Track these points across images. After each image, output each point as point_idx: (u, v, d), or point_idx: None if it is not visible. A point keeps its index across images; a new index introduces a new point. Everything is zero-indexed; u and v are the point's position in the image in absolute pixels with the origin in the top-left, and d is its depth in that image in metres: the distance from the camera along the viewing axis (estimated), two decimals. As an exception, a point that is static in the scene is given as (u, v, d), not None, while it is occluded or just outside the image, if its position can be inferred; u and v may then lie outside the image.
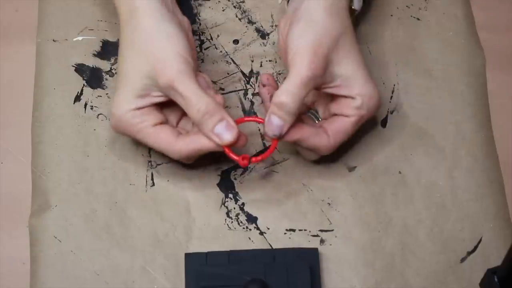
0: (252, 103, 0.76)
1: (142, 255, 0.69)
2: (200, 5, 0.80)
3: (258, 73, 0.77)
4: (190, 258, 0.69)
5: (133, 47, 0.68)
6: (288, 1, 0.73)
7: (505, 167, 0.73)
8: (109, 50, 0.78)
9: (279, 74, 0.77)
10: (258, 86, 0.76)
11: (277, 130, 0.66)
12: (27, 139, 0.74)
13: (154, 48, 0.67)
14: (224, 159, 0.73)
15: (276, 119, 0.66)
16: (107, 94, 0.76)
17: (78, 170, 0.72)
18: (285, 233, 0.71)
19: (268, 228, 0.71)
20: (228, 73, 0.77)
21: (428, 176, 0.73)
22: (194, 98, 0.66)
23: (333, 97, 0.69)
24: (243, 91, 0.76)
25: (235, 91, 0.76)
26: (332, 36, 0.67)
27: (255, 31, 0.79)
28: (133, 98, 0.67)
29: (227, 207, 0.72)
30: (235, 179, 0.73)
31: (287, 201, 0.72)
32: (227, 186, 0.72)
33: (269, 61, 0.78)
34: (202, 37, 0.79)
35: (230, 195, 0.72)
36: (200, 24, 0.80)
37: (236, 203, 0.72)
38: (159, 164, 0.73)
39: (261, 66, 0.77)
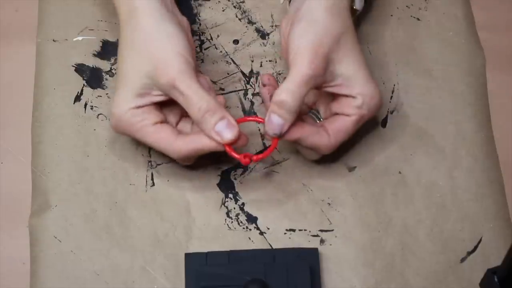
0: (252, 103, 0.76)
1: (142, 255, 0.69)
2: (200, 5, 0.80)
3: (258, 73, 0.77)
4: (190, 258, 0.69)
5: (133, 47, 0.68)
6: (289, 1, 0.73)
7: (505, 167, 0.73)
8: (109, 50, 0.78)
9: (279, 74, 0.77)
10: (258, 86, 0.76)
11: (277, 129, 0.66)
12: (27, 139, 0.74)
13: (154, 48, 0.67)
14: (224, 159, 0.73)
15: (276, 117, 0.66)
16: (107, 94, 0.76)
17: (78, 170, 0.72)
18: (285, 233, 0.71)
19: (268, 228, 0.71)
20: (228, 73, 0.77)
21: (428, 176, 0.73)
22: (195, 97, 0.66)
23: (334, 97, 0.69)
24: (243, 91, 0.76)
25: (235, 91, 0.76)
26: (333, 36, 0.67)
27: (255, 31, 0.79)
28: (133, 97, 0.67)
29: (227, 207, 0.72)
30: (235, 179, 0.73)
31: (287, 201, 0.72)
32: (227, 186, 0.72)
33: (269, 61, 0.78)
34: (202, 37, 0.79)
35: (230, 195, 0.72)
36: (200, 24, 0.80)
37: (236, 203, 0.72)
38: (159, 164, 0.73)
39: (261, 66, 0.77)
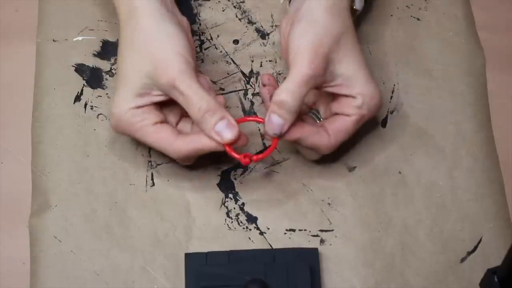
0: (252, 103, 0.76)
1: (142, 255, 0.69)
2: (200, 5, 0.80)
3: (258, 73, 0.77)
4: (190, 258, 0.69)
5: (133, 47, 0.68)
6: (289, 1, 0.73)
7: (505, 167, 0.73)
8: (109, 50, 0.78)
9: (279, 74, 0.77)
10: (258, 86, 0.76)
11: (277, 129, 0.66)
12: (27, 139, 0.74)
13: (154, 47, 0.67)
14: (224, 159, 0.73)
15: (276, 117, 0.66)
16: (107, 94, 0.76)
17: (78, 170, 0.72)
18: (285, 233, 0.71)
19: (268, 228, 0.71)
20: (228, 73, 0.77)
21: (428, 176, 0.73)
22: (195, 97, 0.66)
23: (334, 97, 0.69)
24: (243, 91, 0.76)
25: (235, 91, 0.76)
26: (333, 36, 0.67)
27: (255, 31, 0.79)
28: (133, 97, 0.67)
29: (227, 207, 0.72)
30: (235, 179, 0.73)
31: (287, 201, 0.72)
32: (227, 186, 0.72)
33: (269, 61, 0.78)
34: (202, 37, 0.79)
35: (230, 195, 0.72)
36: (200, 24, 0.80)
37: (236, 203, 0.72)
38: (159, 164, 0.73)
39: (261, 66, 0.77)
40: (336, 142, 0.68)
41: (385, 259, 0.69)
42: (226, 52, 0.78)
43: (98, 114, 0.75)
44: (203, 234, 0.70)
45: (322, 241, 0.70)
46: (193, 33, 0.79)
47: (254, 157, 0.67)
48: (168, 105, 0.69)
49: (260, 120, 0.70)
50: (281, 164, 0.73)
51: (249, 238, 0.70)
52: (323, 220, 0.71)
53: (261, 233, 0.71)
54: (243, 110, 0.75)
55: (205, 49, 0.78)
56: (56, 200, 0.71)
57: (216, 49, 0.78)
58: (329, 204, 0.72)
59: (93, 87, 0.76)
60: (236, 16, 0.80)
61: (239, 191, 0.72)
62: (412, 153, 0.74)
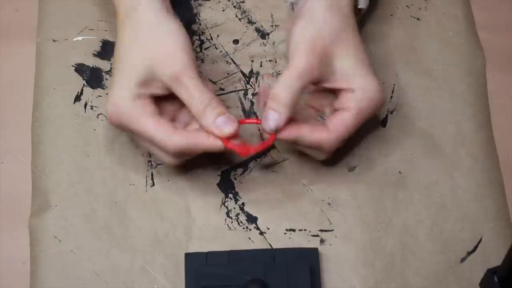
0: (252, 103, 0.76)
1: (142, 255, 0.69)
2: (200, 5, 0.80)
3: (258, 73, 0.77)
4: (190, 258, 0.69)
5: (136, 39, 0.68)
6: (292, 4, 0.74)
7: (505, 167, 0.73)
8: (109, 50, 0.78)
9: (279, 74, 0.77)
10: (258, 86, 0.76)
11: (273, 123, 0.66)
12: (27, 139, 0.74)
13: (159, 41, 0.67)
14: (224, 159, 0.73)
15: (271, 112, 0.66)
16: (107, 94, 0.76)
17: (78, 170, 0.72)
18: (285, 233, 0.71)
19: (268, 228, 0.71)
20: (228, 73, 0.77)
21: (428, 176, 0.73)
22: (197, 91, 0.66)
23: (336, 95, 0.69)
24: (243, 91, 0.76)
25: (235, 91, 0.76)
26: (332, 32, 0.67)
27: (255, 31, 0.79)
28: (134, 86, 0.67)
29: (227, 207, 0.72)
30: (235, 179, 0.73)
31: (287, 201, 0.72)
32: (227, 186, 0.72)
33: (269, 61, 0.78)
34: (202, 37, 0.79)
35: (230, 195, 0.72)
36: (200, 24, 0.80)
37: (236, 203, 0.72)
38: (159, 164, 0.73)
39: (261, 66, 0.78)
40: (336, 138, 0.68)
41: (385, 259, 0.69)
42: (226, 52, 0.78)
43: (98, 114, 0.75)
44: (203, 234, 0.70)
45: (322, 241, 0.70)
46: (193, 33, 0.79)
47: (252, 148, 0.67)
48: (162, 104, 0.69)
49: (258, 121, 0.70)
50: (281, 164, 0.73)
51: (249, 238, 0.70)
52: (323, 220, 0.71)
53: (261, 233, 0.71)
54: (243, 110, 0.75)
55: (205, 49, 0.78)
56: (56, 200, 0.71)
57: (216, 49, 0.78)
58: (329, 204, 0.72)
59: (93, 87, 0.76)
60: (236, 16, 0.80)
61: (239, 191, 0.72)
62: (412, 153, 0.74)
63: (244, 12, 0.80)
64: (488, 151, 0.74)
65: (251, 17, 0.80)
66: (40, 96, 0.75)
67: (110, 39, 0.78)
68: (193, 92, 0.66)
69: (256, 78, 0.77)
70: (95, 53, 0.77)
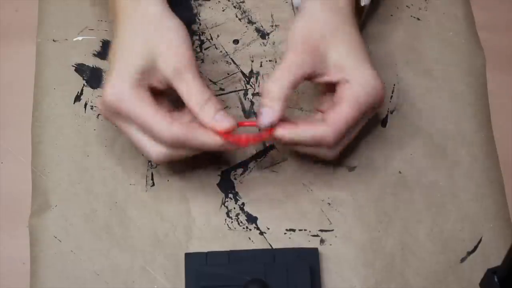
0: (252, 103, 0.76)
1: (142, 255, 0.69)
2: (200, 5, 0.80)
3: (258, 73, 0.77)
4: (190, 258, 0.69)
5: (141, 31, 0.67)
6: (293, 6, 0.75)
7: (505, 167, 0.73)
8: (109, 50, 0.77)
9: (279, 74, 0.77)
10: (258, 86, 0.76)
11: (266, 119, 0.66)
12: (27, 139, 0.74)
13: (164, 34, 0.67)
14: (224, 159, 0.73)
15: (264, 109, 0.66)
16: (107, 93, 0.76)
17: (78, 170, 0.72)
18: (285, 233, 0.71)
19: (268, 228, 0.71)
20: (228, 73, 0.77)
21: (428, 176, 0.73)
22: (198, 87, 0.66)
23: (335, 92, 0.69)
24: (243, 91, 0.76)
25: (235, 91, 0.76)
26: (324, 26, 0.68)
27: (255, 31, 0.79)
28: (135, 74, 0.66)
29: (227, 207, 0.72)
30: (235, 179, 0.73)
31: (287, 201, 0.72)
32: (227, 186, 0.72)
33: (269, 61, 0.78)
34: (202, 37, 0.79)
35: (230, 195, 0.72)
36: (200, 24, 0.80)
37: (236, 203, 0.72)
38: (159, 164, 0.73)
39: (261, 66, 0.78)
40: (335, 131, 0.66)
41: (385, 259, 0.70)
42: (226, 52, 0.78)
43: (98, 114, 0.75)
44: (203, 234, 0.70)
45: (322, 241, 0.70)
46: (193, 33, 0.79)
47: (251, 136, 0.66)
48: (158, 99, 0.68)
49: (253, 124, 0.69)
50: (281, 164, 0.73)
51: (249, 238, 0.70)
52: (323, 220, 0.71)
53: (261, 233, 0.71)
54: (243, 110, 0.76)
55: (205, 49, 0.78)
56: (56, 200, 0.71)
57: (216, 49, 0.78)
58: (329, 204, 0.72)
59: (93, 87, 0.76)
60: (236, 16, 0.80)
61: (239, 191, 0.72)
62: (412, 153, 0.74)
63: (244, 12, 0.80)
64: (488, 151, 0.74)
65: (251, 17, 0.80)
66: (40, 96, 0.76)
67: (110, 39, 0.78)
68: (193, 87, 0.66)
69: (256, 78, 0.77)
70: (95, 53, 0.78)
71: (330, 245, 0.70)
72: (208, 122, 0.66)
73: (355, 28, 0.70)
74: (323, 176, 0.73)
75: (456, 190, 0.72)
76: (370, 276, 0.69)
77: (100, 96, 0.74)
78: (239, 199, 0.72)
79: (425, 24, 0.80)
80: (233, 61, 0.78)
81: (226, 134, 0.66)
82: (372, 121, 0.73)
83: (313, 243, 0.70)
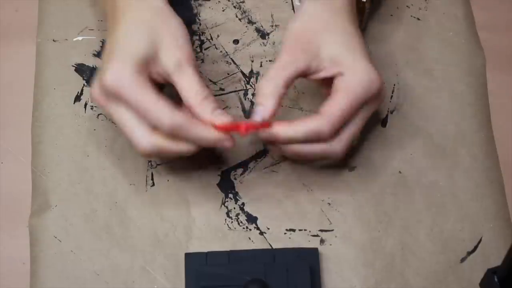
0: (252, 103, 0.76)
1: (142, 255, 0.69)
2: (200, 5, 0.80)
3: (258, 73, 0.77)
4: (190, 258, 0.69)
5: (145, 20, 0.67)
6: (293, 7, 0.75)
7: (505, 167, 0.73)
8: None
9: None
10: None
11: (259, 117, 0.66)
12: (27, 139, 0.74)
13: (169, 27, 0.67)
14: (224, 159, 0.73)
15: (257, 107, 0.67)
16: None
17: (78, 170, 0.72)
18: (285, 233, 0.71)
19: (268, 228, 0.71)
20: (228, 73, 0.77)
21: (428, 176, 0.73)
22: (198, 82, 0.66)
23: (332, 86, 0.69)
24: (243, 91, 0.76)
25: (235, 91, 0.76)
26: (317, 23, 0.68)
27: (255, 31, 0.79)
28: (138, 60, 0.65)
29: (227, 207, 0.72)
30: (235, 179, 0.73)
31: (287, 201, 0.72)
32: (227, 186, 0.72)
33: (269, 61, 0.78)
34: (202, 37, 0.79)
35: (230, 195, 0.72)
36: (200, 24, 0.80)
37: (236, 203, 0.72)
38: (159, 164, 0.73)
39: (261, 66, 0.78)
40: (330, 122, 0.65)
41: (385, 259, 0.70)
42: (226, 52, 0.78)
43: (98, 114, 0.75)
44: (203, 234, 0.70)
45: (322, 241, 0.70)
46: (193, 33, 0.79)
47: (249, 123, 0.66)
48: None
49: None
50: (281, 164, 0.73)
51: (249, 238, 0.70)
52: (323, 220, 0.71)
53: (261, 233, 0.71)
54: (243, 110, 0.75)
55: (205, 49, 0.78)
56: (56, 200, 0.71)
57: (216, 49, 0.78)
58: (329, 204, 0.72)
59: (93, 87, 0.76)
60: (236, 16, 0.80)
61: (239, 191, 0.72)
62: (412, 153, 0.74)
63: (244, 12, 0.80)
64: (488, 151, 0.74)
65: (251, 17, 0.80)
66: (40, 96, 0.76)
67: (110, 39, 0.78)
68: (193, 83, 0.66)
69: (256, 78, 0.77)
70: (95, 53, 0.77)
71: (330, 245, 0.70)
72: (207, 116, 0.65)
73: (351, 24, 0.69)
74: (323, 176, 0.73)
75: (456, 190, 0.72)
76: (370, 276, 0.69)
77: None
78: (239, 199, 0.72)
79: (425, 24, 0.80)
80: (233, 61, 0.78)
81: (225, 128, 0.66)
82: (372, 121, 0.73)
83: (313, 243, 0.70)
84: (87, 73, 0.77)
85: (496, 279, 0.59)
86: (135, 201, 0.71)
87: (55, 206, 0.71)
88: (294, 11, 0.79)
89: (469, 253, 0.70)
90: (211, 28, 0.79)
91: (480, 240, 0.70)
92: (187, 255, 0.69)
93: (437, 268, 0.69)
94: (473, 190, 0.72)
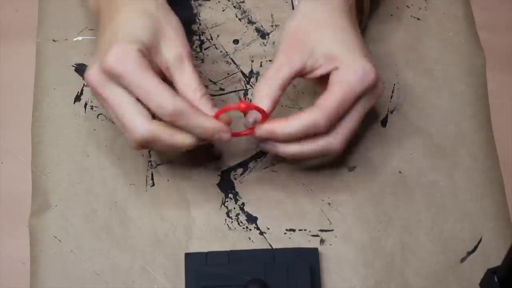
0: (252, 103, 0.76)
1: (142, 255, 0.69)
2: (200, 5, 0.80)
3: (258, 73, 0.77)
4: (190, 258, 0.69)
5: (150, 12, 0.67)
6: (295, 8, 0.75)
7: (505, 167, 0.73)
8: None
9: (279, 74, 0.77)
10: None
11: (251, 117, 0.67)
12: (27, 139, 0.74)
13: (170, 20, 0.67)
14: (224, 159, 0.73)
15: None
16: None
17: (78, 170, 0.72)
18: (285, 233, 0.71)
19: (268, 228, 0.71)
20: (228, 73, 0.77)
21: (428, 176, 0.73)
22: (197, 81, 0.66)
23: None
24: (243, 91, 0.76)
25: (235, 91, 0.76)
26: (312, 21, 0.68)
27: (255, 31, 0.79)
28: (141, 44, 0.65)
29: (227, 207, 0.72)
30: (235, 179, 0.73)
31: (287, 201, 0.72)
32: (227, 186, 0.72)
33: (269, 61, 0.78)
34: (202, 37, 0.79)
35: (230, 195, 0.72)
36: (200, 24, 0.80)
37: (236, 203, 0.72)
38: (159, 164, 0.73)
39: (261, 66, 0.78)
40: (325, 114, 0.65)
41: (385, 259, 0.69)
42: (226, 52, 0.78)
43: (98, 114, 0.75)
44: (203, 234, 0.70)
45: (322, 241, 0.70)
46: (193, 33, 0.79)
47: (247, 102, 0.66)
48: None
49: (248, 133, 0.68)
50: (281, 164, 0.73)
51: (249, 238, 0.70)
52: (323, 220, 0.71)
53: (261, 233, 0.71)
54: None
55: (205, 49, 0.78)
56: (56, 200, 0.71)
57: (216, 49, 0.78)
58: (329, 204, 0.72)
59: (93, 87, 0.76)
60: (236, 16, 0.80)
61: (239, 191, 0.72)
62: (412, 153, 0.74)
63: (244, 12, 0.80)
64: (488, 151, 0.74)
65: (251, 17, 0.80)
66: (40, 96, 0.76)
67: (110, 39, 0.78)
68: (192, 80, 0.66)
69: (256, 78, 0.77)
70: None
71: (330, 245, 0.70)
72: (207, 111, 0.65)
73: (347, 21, 0.69)
74: (323, 176, 0.73)
75: (456, 190, 0.72)
76: (370, 276, 0.69)
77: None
78: (239, 199, 0.72)
79: (425, 24, 0.80)
80: (233, 61, 0.78)
81: (226, 108, 0.66)
82: (372, 121, 0.73)
83: (313, 243, 0.70)
84: (87, 73, 0.77)
85: (496, 279, 0.59)
86: (135, 201, 0.71)
87: (55, 206, 0.71)
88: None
89: (469, 253, 0.70)
90: (211, 28, 0.79)
91: (480, 240, 0.70)
92: (187, 255, 0.69)
93: (437, 268, 0.69)
94: (473, 190, 0.72)
